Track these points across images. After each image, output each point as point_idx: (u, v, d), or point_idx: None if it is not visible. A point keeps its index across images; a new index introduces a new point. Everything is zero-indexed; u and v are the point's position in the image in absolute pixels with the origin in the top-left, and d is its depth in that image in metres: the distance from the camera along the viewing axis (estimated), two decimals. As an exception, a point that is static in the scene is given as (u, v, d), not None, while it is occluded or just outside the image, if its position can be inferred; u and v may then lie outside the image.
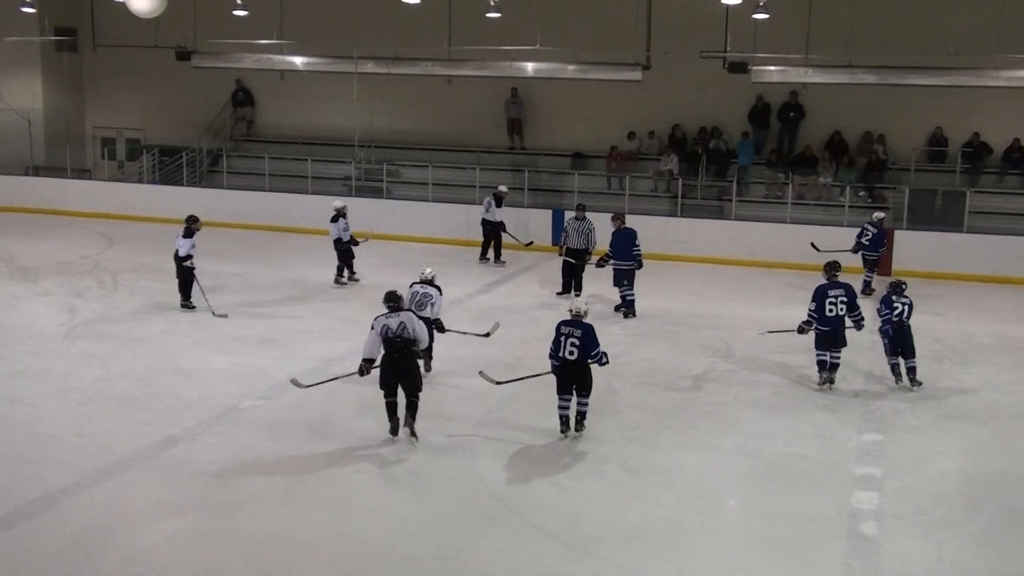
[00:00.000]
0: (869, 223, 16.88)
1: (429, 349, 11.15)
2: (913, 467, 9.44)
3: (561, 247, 16.19)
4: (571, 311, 9.87)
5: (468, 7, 21.68)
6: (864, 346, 13.25)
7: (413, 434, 9.62)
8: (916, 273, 17.98)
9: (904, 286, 11.95)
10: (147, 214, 22.92)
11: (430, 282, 11.43)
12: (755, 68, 20.26)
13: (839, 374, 11.73)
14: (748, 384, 11.83)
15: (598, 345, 9.72)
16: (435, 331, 11.15)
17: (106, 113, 27.32)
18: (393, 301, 9.74)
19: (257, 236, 20.98)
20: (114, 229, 21.81)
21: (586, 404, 9.90)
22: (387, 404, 9.71)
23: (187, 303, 14.55)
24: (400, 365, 9.64)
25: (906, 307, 11.73)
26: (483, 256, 18.84)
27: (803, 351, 12.71)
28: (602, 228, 15.83)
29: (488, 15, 20.23)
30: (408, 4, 19.85)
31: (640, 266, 14.87)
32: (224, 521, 7.89)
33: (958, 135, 20.71)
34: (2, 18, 24.52)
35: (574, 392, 9.83)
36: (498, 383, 10.59)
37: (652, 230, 19.21)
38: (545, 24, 21.08)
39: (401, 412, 9.70)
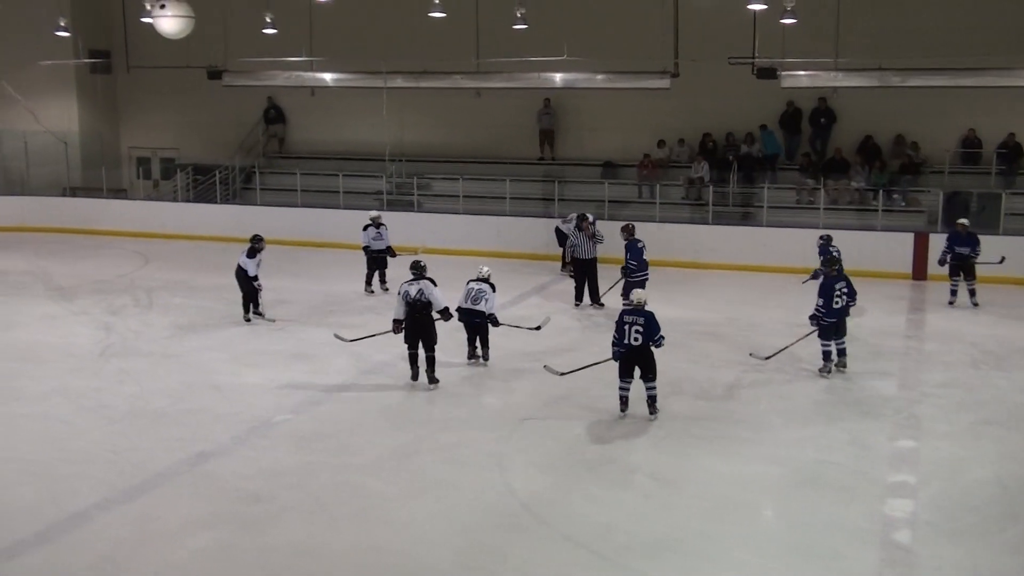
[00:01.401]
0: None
1: (486, 341, 12.55)
2: (947, 474, 9.32)
3: (567, 260, 16.25)
4: (632, 301, 10.73)
5: (495, 20, 21.73)
6: (899, 352, 13.17)
7: (433, 381, 11.62)
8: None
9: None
10: (182, 232, 23.19)
11: (486, 280, 12.44)
12: (784, 73, 20.11)
13: (872, 386, 11.65)
14: (780, 392, 11.74)
15: (659, 329, 10.49)
16: (490, 324, 12.45)
17: (141, 133, 27.68)
18: (416, 270, 11.80)
19: (290, 251, 21.11)
20: (149, 247, 22.07)
21: (654, 388, 10.56)
22: (410, 355, 11.77)
23: (248, 316, 14.93)
24: (419, 323, 11.65)
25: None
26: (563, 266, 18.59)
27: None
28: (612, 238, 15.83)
29: (515, 27, 20.28)
30: (436, 18, 19.95)
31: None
32: (254, 535, 7.94)
33: (992, 136, 20.46)
34: (37, 42, 24.88)
35: (638, 377, 10.52)
36: (562, 374, 11.42)
37: (683, 238, 19.20)
38: (572, 34, 21.11)
39: (422, 363, 11.69)
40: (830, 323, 12.07)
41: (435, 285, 11.83)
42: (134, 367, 12.59)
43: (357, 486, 8.91)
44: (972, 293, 16.10)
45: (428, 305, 11.60)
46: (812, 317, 12.20)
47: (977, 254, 16.01)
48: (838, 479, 9.15)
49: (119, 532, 7.98)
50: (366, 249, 17.18)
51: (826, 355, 12.17)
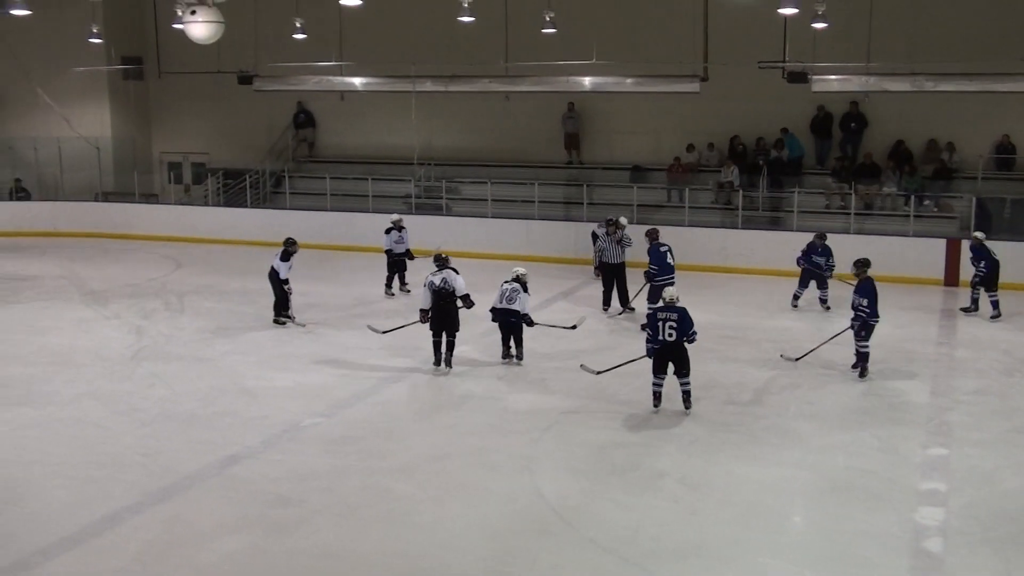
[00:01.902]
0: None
1: (520, 341, 12.86)
2: (980, 482, 9.21)
3: (597, 264, 16.23)
4: (664, 299, 10.94)
5: (524, 23, 21.77)
6: (930, 359, 13.06)
7: (448, 364, 12.52)
8: (985, 283, 17.62)
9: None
10: (212, 236, 23.39)
11: (519, 280, 12.76)
12: (815, 78, 20.03)
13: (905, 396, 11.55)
14: (809, 398, 11.66)
15: (692, 324, 10.78)
16: (524, 324, 12.76)
17: (172, 138, 27.96)
18: (440, 262, 12.64)
19: (319, 255, 21.22)
20: (180, 252, 22.25)
21: (689, 383, 10.87)
22: (434, 343, 12.57)
23: (279, 319, 15.04)
24: (442, 311, 12.44)
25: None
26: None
27: (872, 365, 12.54)
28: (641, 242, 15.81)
29: (544, 31, 20.31)
30: (464, 22, 20.00)
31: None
32: (283, 538, 7.97)
33: (1026, 142, 20.31)
34: (71, 49, 25.21)
35: (671, 373, 10.84)
36: (598, 373, 11.72)
37: (712, 242, 19.14)
38: (601, 38, 21.11)
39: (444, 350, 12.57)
40: (874, 323, 12.05)
41: (457, 274, 12.47)
42: (165, 371, 12.69)
43: (386, 489, 8.93)
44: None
45: (452, 293, 12.39)
46: (856, 318, 12.12)
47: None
48: (868, 486, 9.07)
49: (150, 534, 8.03)
50: (388, 252, 17.39)
51: (866, 356, 12.15)
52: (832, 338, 12.67)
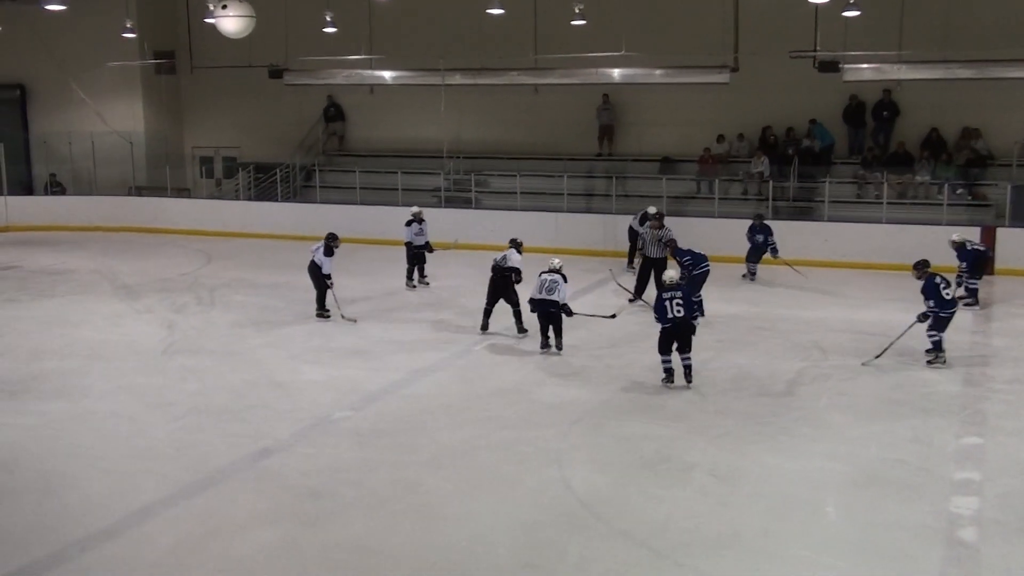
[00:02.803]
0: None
1: (559, 331, 12.97)
2: (1015, 471, 9.11)
3: (636, 255, 16.26)
4: (666, 281, 11.65)
5: (553, 16, 21.73)
6: (964, 348, 12.93)
7: (521, 331, 13.70)
8: (1021, 272, 17.46)
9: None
10: (243, 230, 23.55)
11: (558, 271, 12.93)
12: (846, 67, 19.87)
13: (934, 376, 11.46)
14: (841, 388, 11.58)
15: (695, 306, 11.79)
16: (563, 314, 12.90)
17: (204, 132, 28.14)
18: (512, 243, 14.38)
19: (349, 249, 21.06)
20: (212, 246, 22.41)
21: (690, 359, 11.48)
22: (485, 309, 14.00)
23: (323, 312, 15.11)
24: (500, 285, 13.76)
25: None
26: (629, 263, 18.80)
27: (898, 354, 12.45)
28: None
29: (573, 23, 20.25)
30: (493, 15, 19.98)
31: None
32: (315, 531, 8.02)
33: (1061, 128, 20.03)
34: (104, 44, 25.44)
35: (675, 350, 11.44)
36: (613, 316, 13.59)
37: (743, 234, 18.98)
38: (630, 29, 21.04)
39: (494, 320, 14.01)
40: (949, 314, 12.14)
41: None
42: (197, 364, 12.78)
43: (416, 483, 8.95)
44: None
45: (511, 269, 13.57)
46: (924, 315, 12.13)
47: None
48: (902, 477, 9.00)
49: (184, 527, 8.10)
50: (408, 245, 17.50)
51: (938, 344, 12.18)
52: (904, 332, 12.49)
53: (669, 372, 11.48)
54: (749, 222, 18.37)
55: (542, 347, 13.08)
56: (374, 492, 8.76)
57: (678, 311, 11.30)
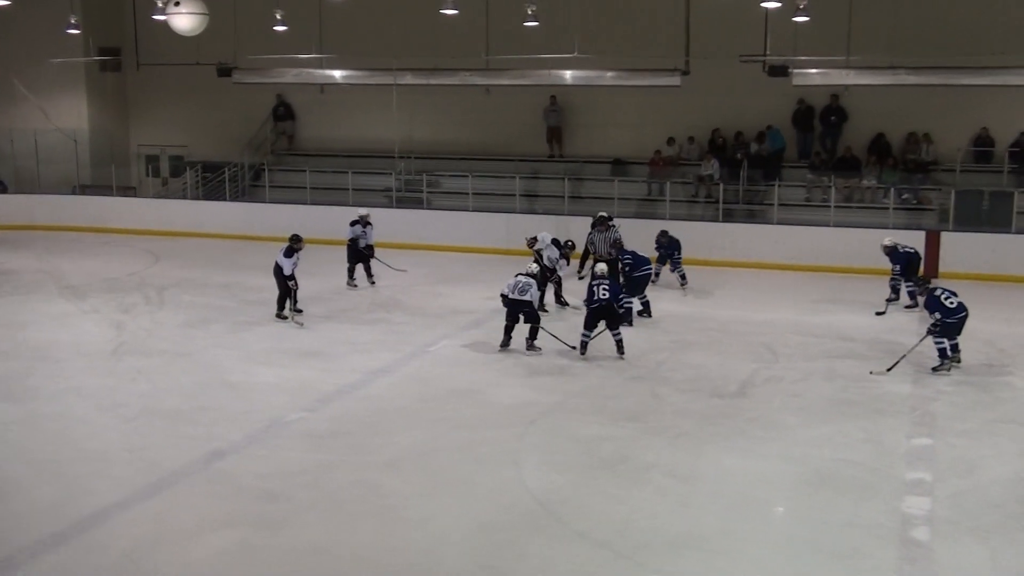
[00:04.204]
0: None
1: (535, 331, 13.20)
2: (965, 472, 9.27)
3: (587, 261, 16.34)
4: (596, 271, 13.35)
5: (506, 17, 21.73)
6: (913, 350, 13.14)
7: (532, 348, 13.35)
8: (963, 275, 17.80)
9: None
10: (191, 230, 23.23)
11: (533, 276, 13.47)
12: (796, 71, 20.07)
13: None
14: (793, 390, 11.71)
15: (620, 290, 13.58)
16: (536, 313, 13.34)
17: (150, 131, 27.70)
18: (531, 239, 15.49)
19: (300, 249, 21.13)
20: (159, 245, 22.09)
21: (620, 334, 12.87)
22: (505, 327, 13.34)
23: (281, 314, 15.00)
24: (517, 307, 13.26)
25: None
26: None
27: (848, 356, 12.63)
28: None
29: (526, 24, 20.26)
30: (446, 15, 19.92)
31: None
32: (272, 534, 7.93)
33: (1005, 135, 20.44)
34: (48, 40, 24.93)
35: (605, 327, 12.82)
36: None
37: (693, 236, 19.15)
38: (583, 32, 21.09)
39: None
40: (957, 319, 12.29)
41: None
42: (147, 366, 12.59)
43: (374, 485, 8.90)
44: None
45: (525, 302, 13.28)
46: (934, 326, 12.30)
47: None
48: (855, 477, 9.13)
49: (138, 530, 7.97)
50: (351, 244, 17.53)
51: (943, 352, 12.32)
52: (916, 346, 12.63)
53: (584, 345, 12.89)
54: (701, 223, 18.52)
55: (502, 345, 13.19)
56: (331, 494, 8.70)
57: (604, 294, 12.68)
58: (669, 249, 17.15)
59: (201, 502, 8.55)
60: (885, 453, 9.76)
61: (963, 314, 12.32)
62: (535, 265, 14.05)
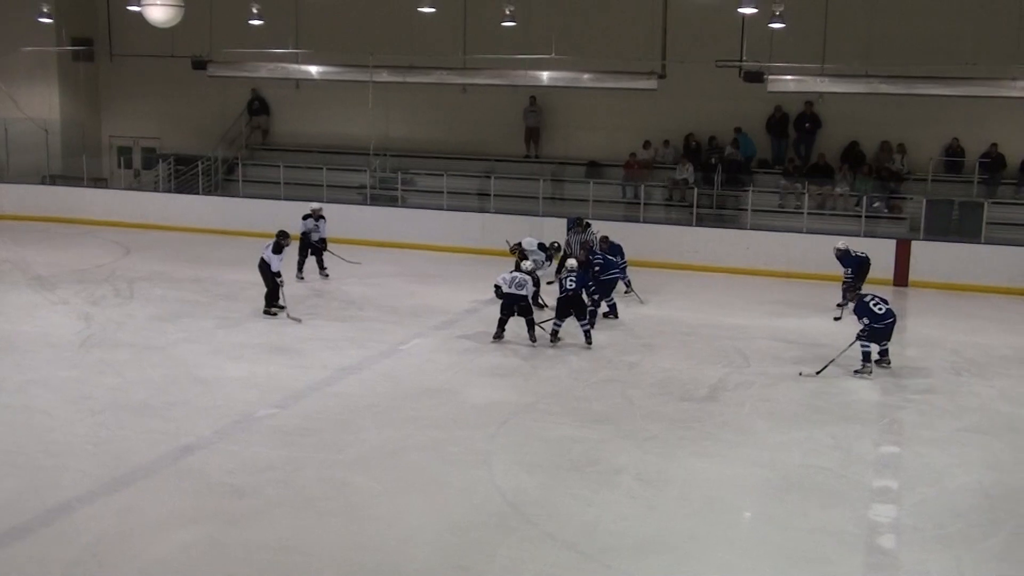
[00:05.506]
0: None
1: (532, 324, 13.64)
2: (931, 480, 9.35)
3: (562, 261, 16.40)
4: (567, 266, 14.21)
5: (483, 16, 21.71)
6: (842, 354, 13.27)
7: (533, 339, 13.71)
8: (933, 284, 17.99)
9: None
10: (163, 223, 23.06)
11: (529, 273, 14.03)
12: (771, 78, 20.17)
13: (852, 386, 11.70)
14: (764, 395, 11.76)
15: (588, 281, 14.17)
16: (531, 306, 13.79)
17: (122, 122, 27.46)
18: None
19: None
20: (130, 238, 21.90)
21: (587, 324, 13.60)
22: (500, 320, 13.68)
23: (269, 310, 14.93)
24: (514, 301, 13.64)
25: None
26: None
27: (818, 362, 12.68)
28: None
29: (503, 24, 20.26)
30: (423, 13, 19.89)
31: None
32: (239, 530, 7.88)
33: (975, 146, 20.60)
34: (19, 28, 24.69)
35: (573, 317, 13.48)
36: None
37: (667, 239, 19.23)
38: (560, 33, 21.11)
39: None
40: (884, 325, 12.58)
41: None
42: (115, 358, 12.48)
43: (343, 482, 8.86)
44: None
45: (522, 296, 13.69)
46: (863, 331, 12.51)
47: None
48: (823, 483, 9.18)
49: (102, 525, 7.90)
50: (304, 237, 17.61)
51: (866, 355, 12.54)
52: (845, 351, 12.71)
53: (555, 333, 13.54)
54: (676, 227, 18.57)
55: (495, 337, 13.53)
56: (300, 491, 8.65)
57: (570, 285, 13.45)
58: (611, 254, 16.55)
59: (168, 497, 8.47)
60: (853, 460, 9.81)
61: (891, 320, 12.61)
62: (529, 263, 14.64)
